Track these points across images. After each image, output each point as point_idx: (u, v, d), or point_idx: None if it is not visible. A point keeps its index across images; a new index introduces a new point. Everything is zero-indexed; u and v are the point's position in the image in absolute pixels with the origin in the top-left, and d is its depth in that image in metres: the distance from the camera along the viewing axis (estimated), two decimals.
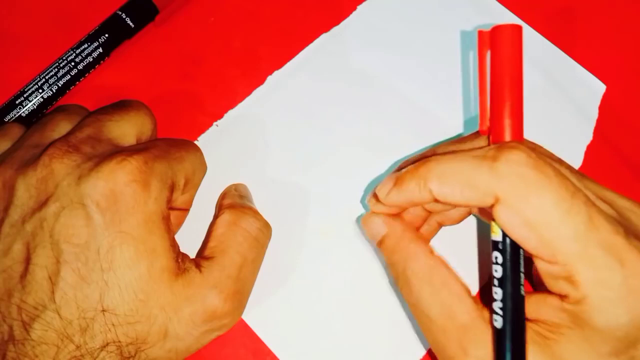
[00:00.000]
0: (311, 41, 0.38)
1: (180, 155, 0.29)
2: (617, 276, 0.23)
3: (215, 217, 0.31)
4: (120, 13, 0.37)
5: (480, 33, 0.27)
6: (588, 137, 0.36)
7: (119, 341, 0.25)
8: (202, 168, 0.32)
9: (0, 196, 0.27)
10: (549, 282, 0.25)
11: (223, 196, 0.33)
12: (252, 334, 0.32)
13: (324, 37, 0.38)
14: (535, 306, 0.25)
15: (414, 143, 0.35)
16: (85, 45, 0.36)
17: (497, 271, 0.25)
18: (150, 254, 0.26)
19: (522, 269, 0.25)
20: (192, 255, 0.29)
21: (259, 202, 0.33)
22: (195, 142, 0.35)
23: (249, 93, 0.37)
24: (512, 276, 0.25)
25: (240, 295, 0.28)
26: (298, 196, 0.34)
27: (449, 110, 0.36)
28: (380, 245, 0.29)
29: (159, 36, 0.38)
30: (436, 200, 0.26)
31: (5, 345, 0.25)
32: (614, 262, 0.23)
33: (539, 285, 0.27)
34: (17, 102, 0.35)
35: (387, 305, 0.32)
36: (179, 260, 0.27)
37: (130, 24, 0.37)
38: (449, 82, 0.37)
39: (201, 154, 0.32)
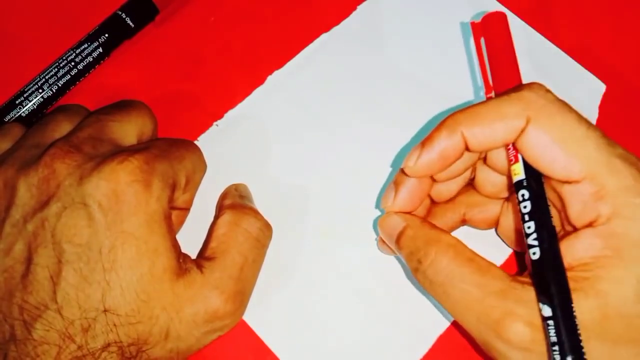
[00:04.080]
0: (311, 41, 0.38)
1: (180, 155, 0.30)
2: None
3: (216, 217, 0.31)
4: (120, 13, 0.37)
5: (473, 24, 0.31)
6: None
7: (121, 341, 0.25)
8: (203, 167, 0.32)
9: (1, 196, 0.27)
10: (576, 212, 0.25)
11: (223, 196, 0.33)
12: (252, 334, 0.32)
13: (324, 37, 0.38)
14: (565, 253, 0.25)
15: (415, 143, 0.35)
16: (85, 45, 0.36)
17: (526, 207, 0.26)
18: (152, 254, 0.26)
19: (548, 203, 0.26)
20: (193, 255, 0.29)
21: (260, 202, 0.33)
22: (195, 142, 0.35)
23: (249, 93, 0.37)
24: (542, 205, 0.26)
25: (241, 295, 0.28)
26: (298, 196, 0.34)
27: (450, 111, 0.36)
28: (399, 239, 0.28)
29: (159, 36, 0.38)
30: (467, 149, 0.27)
31: (6, 345, 0.25)
32: (635, 171, 0.24)
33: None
34: (17, 102, 0.35)
35: (388, 305, 0.32)
36: (181, 260, 0.27)
37: (130, 24, 0.37)
38: (450, 82, 0.37)
39: (201, 153, 0.32)
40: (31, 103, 0.35)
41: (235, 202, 0.32)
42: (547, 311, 0.23)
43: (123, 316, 0.25)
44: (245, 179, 0.34)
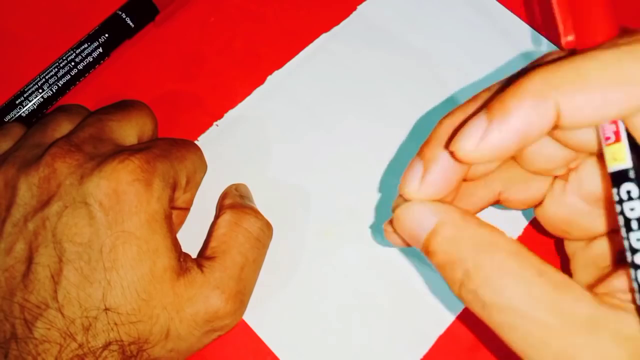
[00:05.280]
0: (311, 41, 0.38)
1: (181, 154, 0.30)
2: None
3: (216, 217, 0.31)
4: (120, 13, 0.37)
5: None
6: None
7: (122, 340, 0.25)
8: (203, 167, 0.32)
9: (2, 195, 0.27)
10: None
11: (224, 196, 0.33)
12: (252, 334, 0.32)
13: (324, 37, 0.38)
14: None
15: (415, 143, 0.35)
16: (85, 45, 0.36)
17: (634, 209, 0.18)
18: (153, 254, 0.26)
19: None
20: (194, 255, 0.29)
21: (260, 202, 0.33)
22: (196, 142, 0.35)
23: (249, 93, 0.37)
24: None
25: (241, 295, 0.28)
26: (299, 196, 0.34)
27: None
28: (429, 242, 0.21)
29: (159, 36, 0.38)
30: (555, 127, 0.19)
31: (7, 344, 0.25)
32: None
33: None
34: (17, 102, 0.35)
35: (388, 305, 0.32)
36: (181, 259, 0.27)
37: (130, 24, 0.37)
38: (450, 81, 0.37)
39: (201, 153, 0.32)
40: (31, 103, 0.35)
41: (235, 202, 0.32)
42: None
43: (124, 315, 0.25)
44: (245, 179, 0.34)
